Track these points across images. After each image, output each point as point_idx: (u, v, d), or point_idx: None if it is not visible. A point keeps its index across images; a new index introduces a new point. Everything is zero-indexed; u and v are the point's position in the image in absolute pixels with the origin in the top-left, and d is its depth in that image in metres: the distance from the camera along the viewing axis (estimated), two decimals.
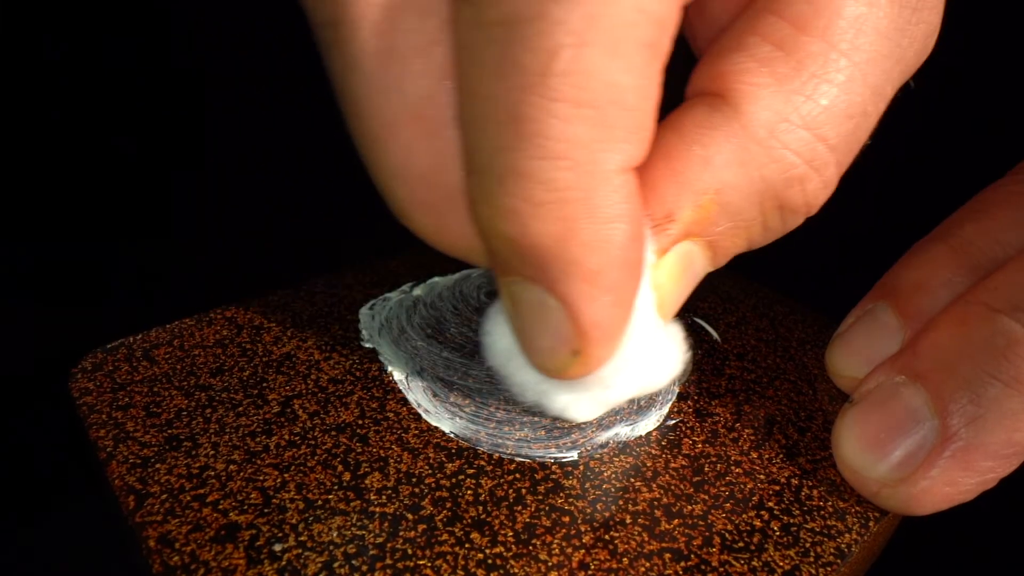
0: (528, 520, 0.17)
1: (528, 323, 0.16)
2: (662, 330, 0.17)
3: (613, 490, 0.18)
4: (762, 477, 0.19)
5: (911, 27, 0.16)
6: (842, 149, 0.16)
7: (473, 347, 0.22)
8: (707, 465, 0.19)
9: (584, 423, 0.19)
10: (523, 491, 0.17)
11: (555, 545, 0.16)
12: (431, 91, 0.14)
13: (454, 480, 0.17)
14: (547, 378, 0.17)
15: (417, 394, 0.20)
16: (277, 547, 0.15)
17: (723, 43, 0.16)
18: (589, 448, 0.19)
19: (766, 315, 0.25)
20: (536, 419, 0.19)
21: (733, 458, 0.19)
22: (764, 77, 0.15)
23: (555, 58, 0.13)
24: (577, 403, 0.18)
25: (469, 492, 0.17)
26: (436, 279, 0.24)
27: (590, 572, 0.16)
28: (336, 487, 0.17)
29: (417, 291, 0.24)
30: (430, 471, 0.18)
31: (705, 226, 0.16)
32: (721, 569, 0.16)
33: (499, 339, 0.18)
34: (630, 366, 0.17)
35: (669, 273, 0.17)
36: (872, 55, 0.15)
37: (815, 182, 0.16)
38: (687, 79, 0.17)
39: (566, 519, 0.17)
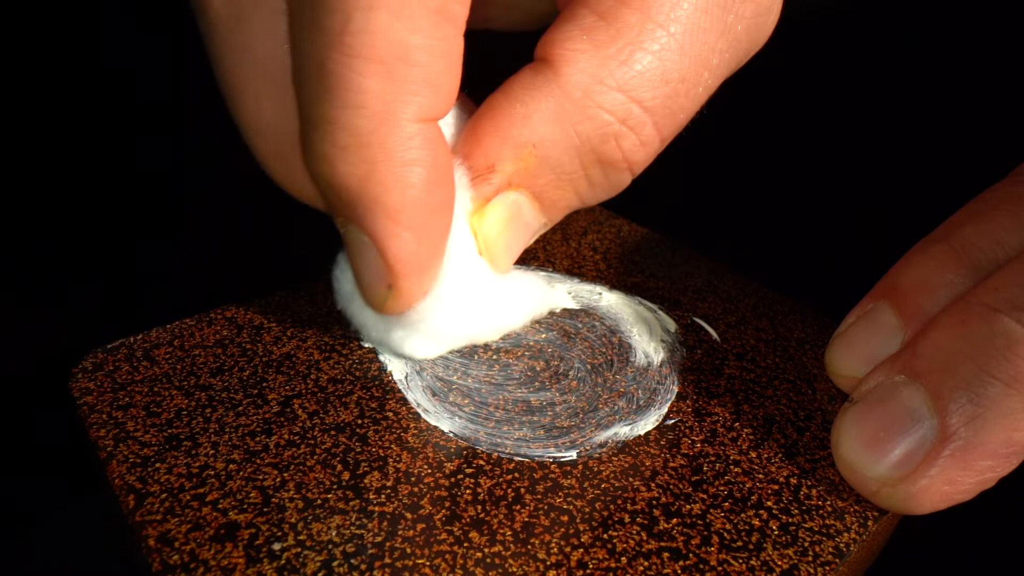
0: (527, 519, 0.17)
1: (354, 260, 0.18)
2: (494, 275, 0.19)
3: (612, 489, 0.18)
4: (761, 476, 0.19)
5: (736, 5, 0.17)
6: (659, 111, 0.18)
7: (472, 347, 0.22)
8: (706, 464, 0.19)
9: (583, 423, 0.19)
10: (522, 490, 0.17)
11: (553, 544, 0.16)
12: (275, 53, 0.17)
13: (453, 479, 0.17)
14: (384, 317, 0.19)
15: (416, 394, 0.20)
16: (276, 546, 0.15)
17: (561, 15, 0.18)
18: (588, 448, 0.19)
19: (766, 315, 0.25)
20: (535, 419, 0.19)
21: (732, 457, 0.19)
22: (583, 43, 0.17)
23: (350, 20, 0.15)
24: (411, 340, 0.20)
25: (468, 491, 0.17)
26: None
27: (588, 571, 0.16)
28: (335, 486, 0.17)
29: None
30: (429, 470, 0.18)
31: (527, 178, 0.18)
32: (719, 568, 0.16)
33: (344, 283, 0.20)
34: (457, 306, 0.19)
35: (495, 220, 0.19)
36: (690, 27, 0.17)
37: (630, 139, 0.18)
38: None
39: (564, 518, 0.17)
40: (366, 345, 0.21)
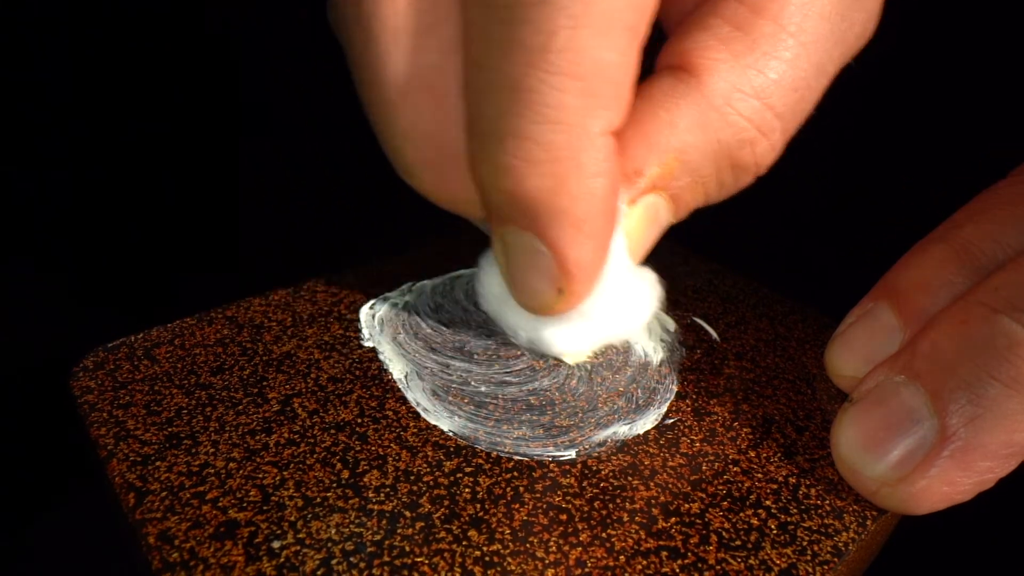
0: (525, 518, 0.17)
1: (520, 267, 0.18)
2: (633, 271, 0.20)
3: (611, 488, 0.18)
4: (760, 476, 0.19)
5: (852, 13, 0.18)
6: (787, 117, 0.18)
7: (472, 346, 0.22)
8: (705, 464, 0.19)
9: (582, 422, 0.19)
10: (521, 489, 0.17)
11: (552, 543, 0.16)
12: (440, 63, 0.17)
13: (452, 478, 0.17)
14: (535, 317, 0.20)
15: (416, 393, 0.20)
16: (276, 544, 0.15)
17: (690, 24, 0.18)
18: (587, 447, 0.19)
19: (765, 315, 0.25)
20: (534, 418, 0.19)
21: (731, 457, 0.19)
22: (723, 53, 0.18)
23: (554, 37, 0.15)
24: (564, 337, 0.20)
25: (467, 490, 0.17)
26: (426, 282, 0.24)
27: (587, 570, 0.16)
28: (335, 485, 0.17)
29: (416, 291, 0.24)
30: (428, 469, 0.18)
31: (668, 181, 0.19)
32: (718, 567, 0.16)
33: (492, 287, 0.20)
34: (608, 302, 0.19)
35: (638, 221, 0.19)
36: (815, 36, 0.18)
37: (763, 144, 0.18)
38: (656, 55, 0.19)
39: (563, 517, 0.17)
40: (366, 344, 0.21)
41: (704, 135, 0.18)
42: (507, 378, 0.21)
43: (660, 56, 0.19)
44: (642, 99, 0.18)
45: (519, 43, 0.15)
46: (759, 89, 0.18)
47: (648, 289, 0.21)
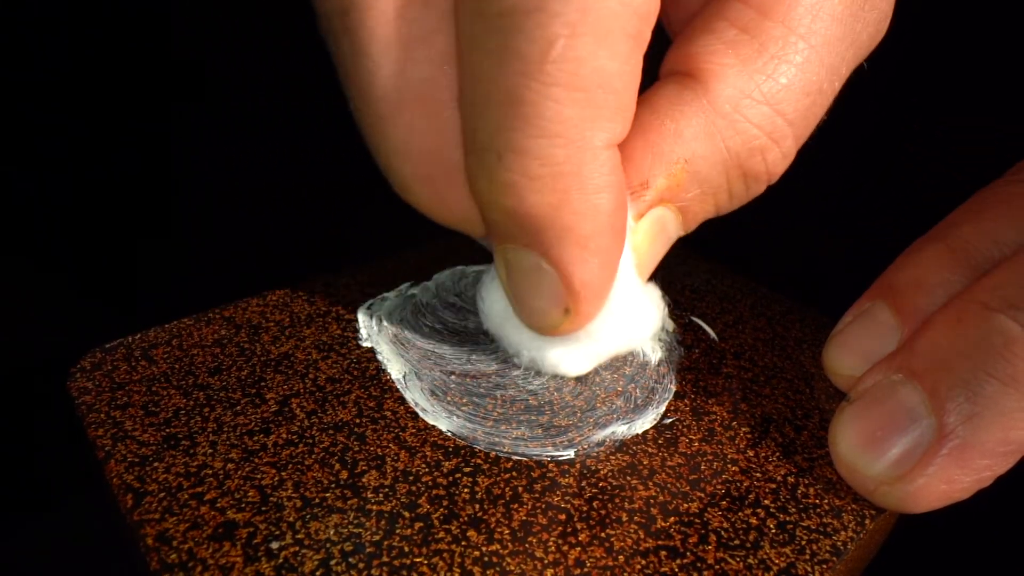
0: (524, 518, 0.17)
1: (523, 286, 0.17)
2: (641, 287, 0.19)
3: (609, 488, 0.18)
4: (758, 475, 0.19)
5: (864, 13, 0.17)
6: (799, 123, 0.18)
7: (471, 345, 0.22)
8: (703, 463, 0.19)
9: (580, 422, 0.19)
10: (519, 489, 0.17)
11: (551, 543, 0.16)
12: (432, 75, 0.16)
13: (451, 478, 0.17)
14: (539, 336, 0.19)
15: (415, 393, 0.20)
16: (274, 545, 0.15)
17: (694, 27, 0.18)
18: (585, 447, 0.19)
19: (763, 314, 0.25)
20: (533, 418, 0.19)
21: (730, 456, 0.19)
22: (730, 58, 0.17)
23: (551, 47, 0.14)
24: (569, 357, 0.20)
25: (466, 490, 0.17)
26: (425, 282, 0.24)
27: (586, 570, 0.16)
28: (333, 485, 0.17)
29: (414, 291, 0.24)
30: (427, 469, 0.18)
31: (677, 192, 0.18)
32: (717, 567, 0.16)
33: (493, 304, 0.20)
34: (614, 320, 0.19)
35: (645, 236, 0.18)
36: (827, 38, 0.17)
37: (774, 152, 0.18)
38: (661, 61, 0.18)
39: (562, 517, 0.17)
40: (364, 345, 0.21)
41: (712, 144, 0.17)
42: (506, 378, 0.21)
43: (664, 62, 0.18)
44: (646, 108, 0.18)
45: (514, 53, 0.14)
46: (769, 95, 0.17)
47: (655, 305, 0.20)
